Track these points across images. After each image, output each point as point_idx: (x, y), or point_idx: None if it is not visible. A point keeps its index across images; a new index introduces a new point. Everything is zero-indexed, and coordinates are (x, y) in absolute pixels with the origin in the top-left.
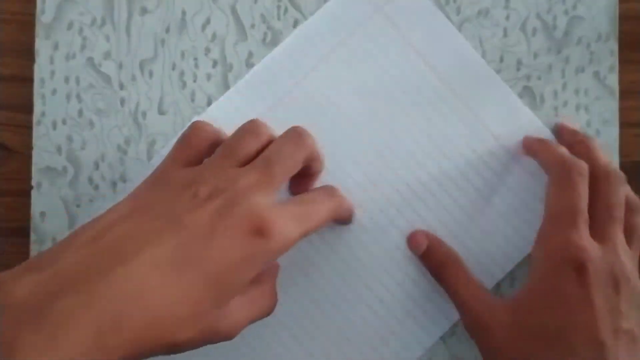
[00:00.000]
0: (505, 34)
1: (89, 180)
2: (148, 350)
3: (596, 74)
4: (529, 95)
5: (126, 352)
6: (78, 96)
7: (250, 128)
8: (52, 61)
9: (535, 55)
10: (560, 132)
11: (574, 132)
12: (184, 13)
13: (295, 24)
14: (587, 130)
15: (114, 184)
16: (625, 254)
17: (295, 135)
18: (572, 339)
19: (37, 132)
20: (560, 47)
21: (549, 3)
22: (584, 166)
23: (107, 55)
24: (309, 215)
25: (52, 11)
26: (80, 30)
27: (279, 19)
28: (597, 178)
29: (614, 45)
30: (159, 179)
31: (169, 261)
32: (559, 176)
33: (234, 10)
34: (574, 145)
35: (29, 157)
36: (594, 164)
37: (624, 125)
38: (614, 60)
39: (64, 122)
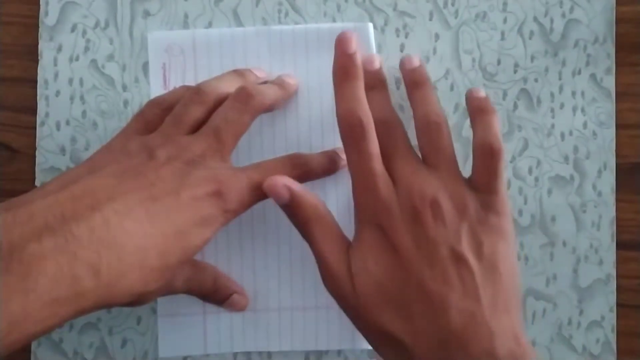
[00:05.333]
0: (502, 37)
1: None
2: (117, 298)
3: (593, 76)
4: (525, 97)
5: (98, 299)
6: (82, 98)
7: (194, 96)
8: (55, 63)
9: (533, 58)
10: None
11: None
12: (186, 16)
13: None
14: (583, 131)
15: None
16: (441, 180)
17: (241, 98)
18: (406, 291)
19: (41, 133)
20: (557, 50)
21: (546, 6)
22: (358, 122)
23: (110, 57)
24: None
25: (56, 14)
26: (84, 33)
27: (279, 22)
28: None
29: (611, 48)
30: (113, 146)
31: (142, 211)
32: (343, 138)
33: (235, 13)
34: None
35: (33, 157)
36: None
37: (621, 126)
38: (611, 62)
39: (67, 123)
